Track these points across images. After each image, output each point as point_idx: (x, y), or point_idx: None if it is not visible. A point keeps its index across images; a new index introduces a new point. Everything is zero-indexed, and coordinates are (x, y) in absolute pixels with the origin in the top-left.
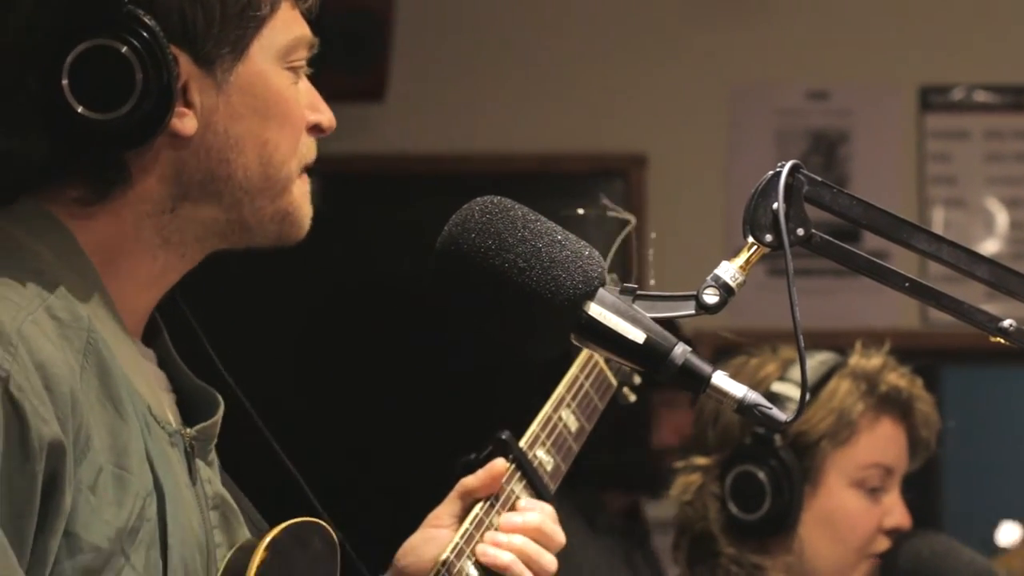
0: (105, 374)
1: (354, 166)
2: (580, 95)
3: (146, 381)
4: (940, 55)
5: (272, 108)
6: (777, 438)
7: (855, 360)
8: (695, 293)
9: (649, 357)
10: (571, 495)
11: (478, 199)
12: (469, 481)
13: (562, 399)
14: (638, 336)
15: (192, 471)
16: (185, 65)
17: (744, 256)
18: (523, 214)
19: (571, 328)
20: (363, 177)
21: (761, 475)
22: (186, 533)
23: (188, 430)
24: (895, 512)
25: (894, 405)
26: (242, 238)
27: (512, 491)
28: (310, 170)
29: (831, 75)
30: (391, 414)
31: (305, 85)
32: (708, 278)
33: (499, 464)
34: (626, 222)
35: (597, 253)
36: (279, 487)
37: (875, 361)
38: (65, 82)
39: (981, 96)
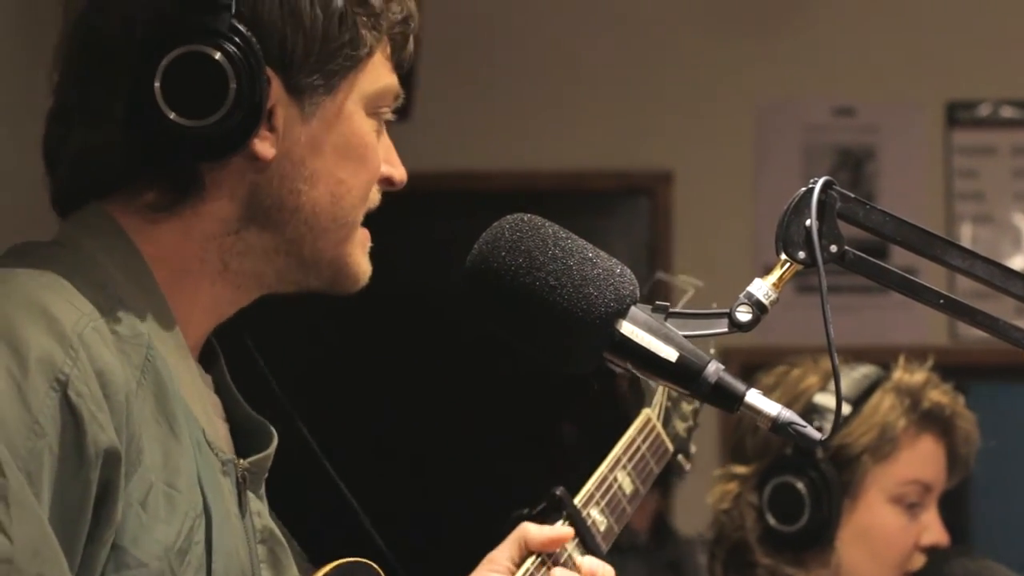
0: (162, 392)
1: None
2: (606, 113)
3: (203, 406)
4: (966, 71)
5: (353, 150)
6: (818, 450)
7: (898, 375)
8: (728, 311)
9: (682, 375)
10: None
11: (508, 217)
12: (532, 534)
13: (619, 460)
14: (671, 354)
15: (242, 503)
16: (276, 89)
17: (777, 273)
18: (554, 232)
19: (603, 346)
20: (389, 195)
21: (800, 487)
22: (231, 561)
23: (242, 461)
24: (932, 529)
25: (936, 422)
26: (297, 277)
27: (564, 548)
28: None
29: (857, 91)
30: (412, 435)
31: (385, 137)
32: (741, 295)
33: (567, 531)
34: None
35: (629, 271)
36: (329, 522)
37: (918, 377)
38: (158, 84)
39: (1008, 112)
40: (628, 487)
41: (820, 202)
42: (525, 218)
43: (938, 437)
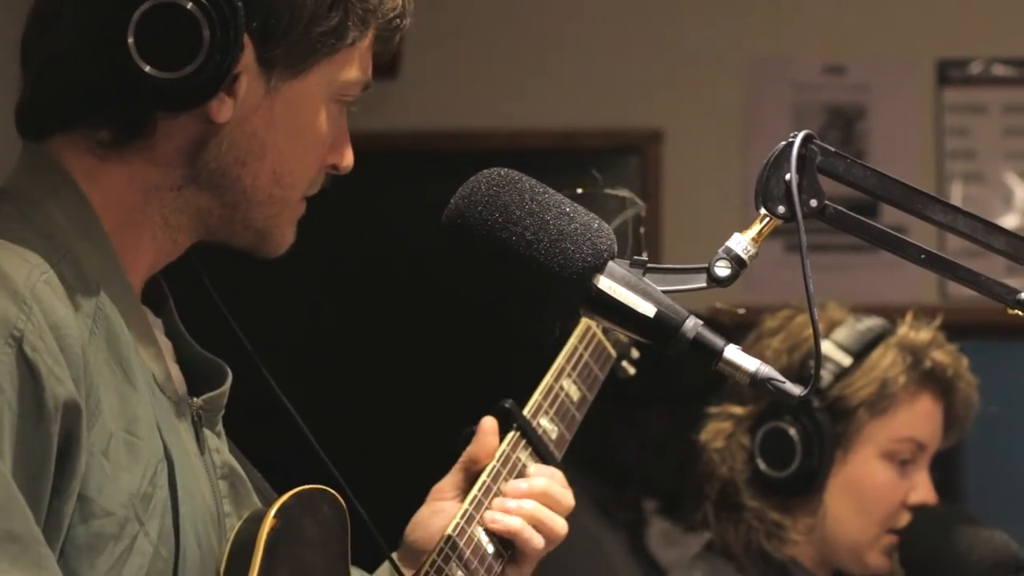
0: (114, 340)
1: (368, 143)
2: (596, 70)
3: (154, 349)
4: (957, 29)
5: (306, 135)
6: (815, 399)
7: (904, 331)
8: (706, 266)
9: (660, 331)
10: (589, 487)
11: (484, 171)
12: (471, 449)
13: (562, 369)
14: (648, 309)
15: (200, 440)
16: (248, 57)
17: (756, 228)
18: (530, 186)
19: (580, 302)
20: (377, 154)
21: (793, 433)
22: (197, 502)
23: (195, 400)
24: (921, 488)
25: (937, 382)
26: (224, 236)
27: (518, 459)
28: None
29: (848, 49)
30: (400, 390)
31: (342, 120)
32: (720, 250)
33: (488, 420)
34: (630, 200)
35: (607, 226)
36: (288, 459)
37: (924, 335)
38: (131, 40)
39: (999, 70)
40: (575, 394)
41: (800, 156)
42: (502, 172)
43: (937, 397)
